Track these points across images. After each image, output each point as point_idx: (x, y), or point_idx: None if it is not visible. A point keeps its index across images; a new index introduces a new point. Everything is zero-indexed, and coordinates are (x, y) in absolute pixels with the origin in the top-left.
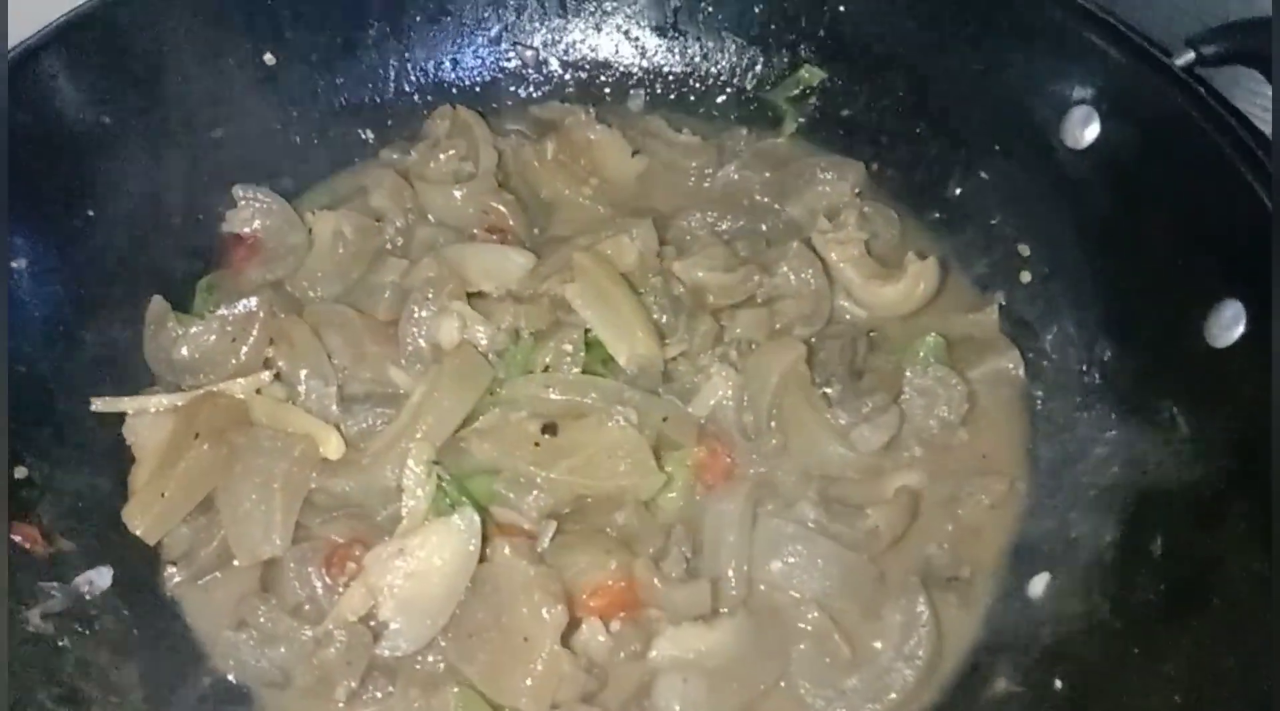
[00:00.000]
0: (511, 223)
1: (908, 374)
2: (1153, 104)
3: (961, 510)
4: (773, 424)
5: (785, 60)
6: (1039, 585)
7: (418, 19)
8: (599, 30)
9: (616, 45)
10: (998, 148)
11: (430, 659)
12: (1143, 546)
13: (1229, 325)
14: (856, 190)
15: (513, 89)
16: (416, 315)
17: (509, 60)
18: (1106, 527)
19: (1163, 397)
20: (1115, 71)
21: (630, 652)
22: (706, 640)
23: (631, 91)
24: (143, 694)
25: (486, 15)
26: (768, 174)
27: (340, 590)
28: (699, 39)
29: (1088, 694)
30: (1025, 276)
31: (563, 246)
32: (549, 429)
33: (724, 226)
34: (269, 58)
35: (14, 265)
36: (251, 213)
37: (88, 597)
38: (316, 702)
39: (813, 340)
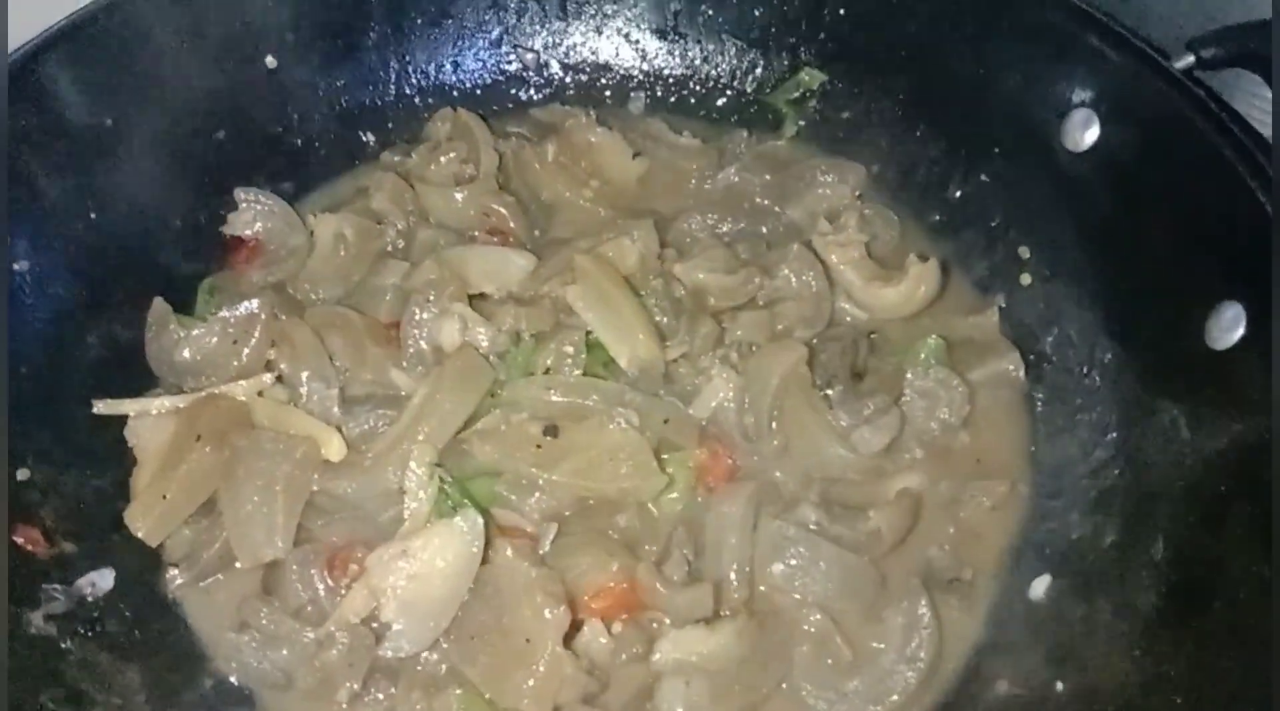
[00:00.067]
0: (512, 225)
1: (908, 376)
2: (1153, 107)
3: (963, 512)
4: (774, 426)
5: (785, 63)
6: (1040, 587)
7: (418, 22)
8: (599, 33)
9: (617, 48)
10: (998, 150)
11: (432, 660)
12: (1144, 548)
13: (1229, 327)
14: (857, 192)
15: (513, 92)
16: (418, 317)
17: (510, 63)
18: (1107, 529)
19: (1163, 399)
20: (1115, 74)
21: (632, 654)
22: (708, 642)
23: (632, 94)
24: (145, 695)
25: (487, 18)
26: (768, 176)
27: (342, 592)
28: (699, 42)
29: (1089, 696)
30: (1026, 278)
31: (564, 248)
32: (550, 431)
33: (725, 229)
34: (270, 60)
35: (16, 267)
36: (253, 215)
37: (90, 599)
38: (318, 704)
39: (814, 342)
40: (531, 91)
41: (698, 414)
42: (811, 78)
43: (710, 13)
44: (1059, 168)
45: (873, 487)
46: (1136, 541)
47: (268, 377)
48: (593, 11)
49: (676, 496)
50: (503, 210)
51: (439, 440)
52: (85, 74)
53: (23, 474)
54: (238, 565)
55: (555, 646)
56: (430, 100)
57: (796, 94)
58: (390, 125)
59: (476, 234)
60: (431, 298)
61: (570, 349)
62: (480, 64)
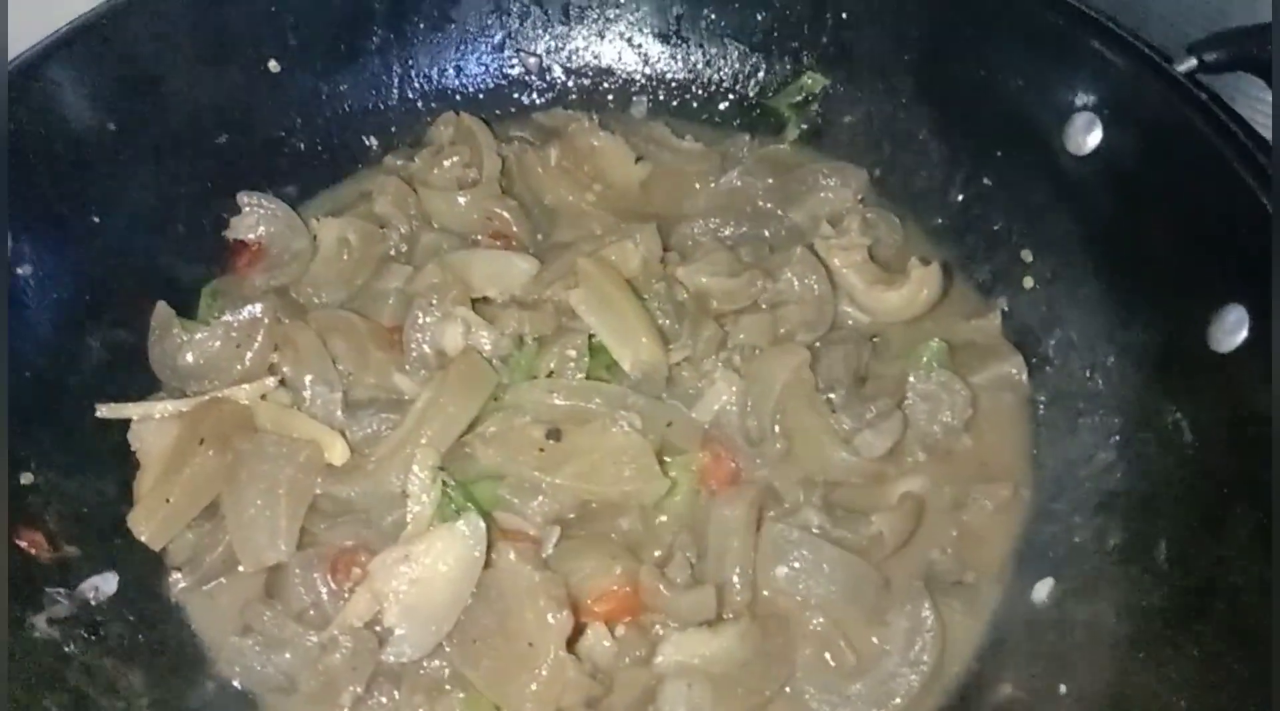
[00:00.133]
0: (515, 229)
1: (911, 379)
2: (1155, 110)
3: (965, 515)
4: (776, 429)
5: (788, 67)
6: (1043, 590)
7: (421, 26)
8: (602, 37)
9: (619, 52)
10: (1000, 154)
11: (435, 664)
12: (1147, 551)
13: (1232, 330)
14: (859, 196)
15: (516, 96)
16: (421, 321)
17: (512, 67)
18: (1110, 533)
19: (1166, 402)
20: (1117, 78)
21: (635, 658)
22: (711, 645)
23: (634, 98)
24: (148, 699)
25: (490, 23)
26: (770, 180)
27: (345, 596)
28: (701, 46)
29: (1093, 699)
30: (1028, 282)
31: (566, 252)
32: (553, 434)
33: (727, 232)
34: (273, 64)
35: (19, 271)
36: (256, 219)
37: (93, 603)
38: (321, 708)
39: (816, 346)
40: (534, 96)
41: (700, 417)
42: (814, 82)
43: (712, 17)
44: (1061, 171)
45: (875, 491)
46: (1139, 544)
47: (271, 381)
48: (595, 16)
49: (679, 499)
50: (505, 214)
51: (442, 444)
52: (89, 78)
53: (26, 478)
54: (240, 569)
55: (558, 650)
56: (433, 104)
57: (799, 98)
58: (393, 129)
59: (479, 238)
60: (434, 301)
61: (573, 352)
62: (483, 68)
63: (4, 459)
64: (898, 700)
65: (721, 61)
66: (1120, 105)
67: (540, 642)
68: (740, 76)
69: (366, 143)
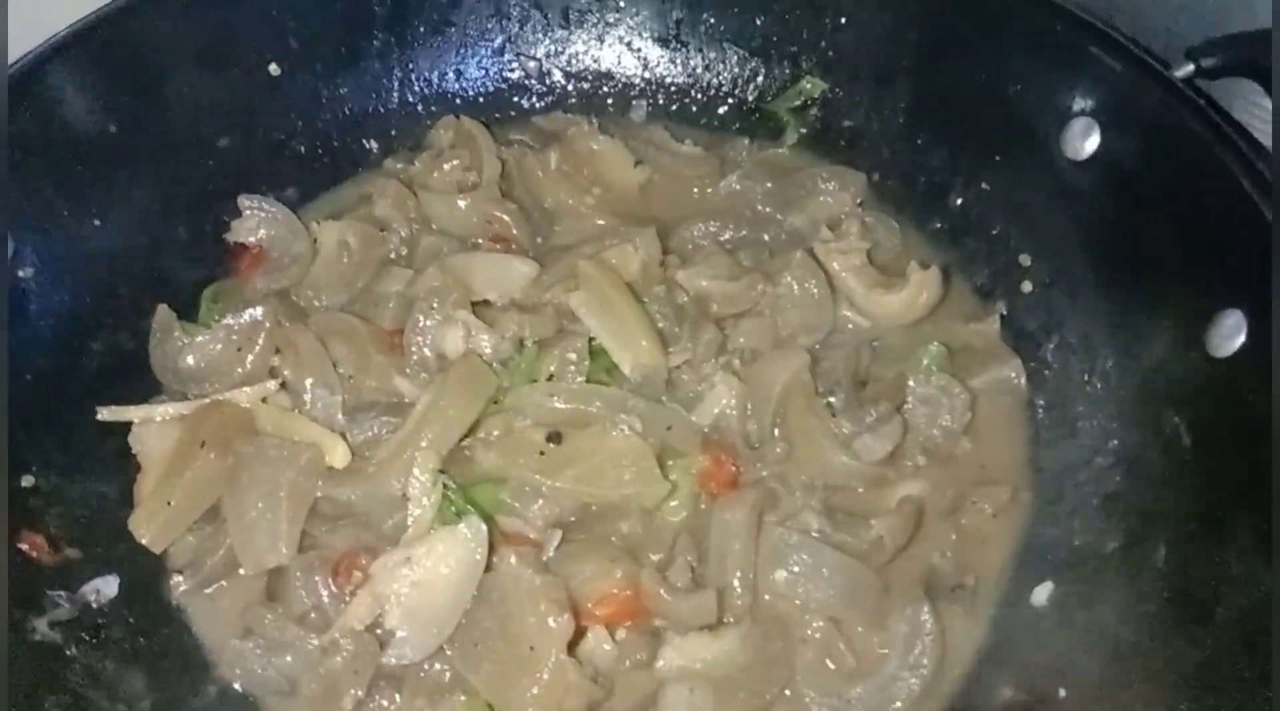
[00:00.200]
0: (515, 232)
1: (910, 383)
2: (1153, 115)
3: (965, 519)
4: (776, 433)
5: (786, 71)
6: (1043, 594)
7: (421, 30)
8: (602, 42)
9: (619, 56)
10: (999, 158)
11: (436, 667)
12: (1146, 555)
13: (1230, 334)
14: (858, 200)
15: (516, 99)
16: (421, 324)
17: (512, 71)
18: (1110, 536)
19: (1165, 407)
20: (1116, 83)
21: (636, 662)
22: (712, 649)
23: (634, 102)
24: (149, 702)
25: (490, 26)
26: (770, 184)
27: (346, 599)
28: (701, 50)
29: (1092, 703)
30: (1027, 286)
31: (566, 256)
32: (554, 437)
33: (727, 236)
34: (274, 68)
35: (21, 274)
36: (257, 222)
37: (94, 606)
38: None
39: (816, 349)
40: (534, 99)
41: (700, 420)
42: (813, 86)
43: (712, 21)
44: (1060, 175)
45: (875, 495)
46: (1139, 548)
47: (272, 384)
48: (595, 20)
49: (680, 503)
50: (505, 217)
51: (443, 447)
52: (90, 81)
53: (27, 480)
54: (242, 572)
55: (559, 653)
56: (433, 108)
57: (798, 102)
58: (393, 132)
59: (479, 241)
60: (435, 305)
61: (573, 355)
62: (483, 72)
63: (4, 461)
64: (898, 704)
65: (721, 66)
66: (1118, 110)
67: (541, 646)
68: (739, 81)
69: (367, 146)
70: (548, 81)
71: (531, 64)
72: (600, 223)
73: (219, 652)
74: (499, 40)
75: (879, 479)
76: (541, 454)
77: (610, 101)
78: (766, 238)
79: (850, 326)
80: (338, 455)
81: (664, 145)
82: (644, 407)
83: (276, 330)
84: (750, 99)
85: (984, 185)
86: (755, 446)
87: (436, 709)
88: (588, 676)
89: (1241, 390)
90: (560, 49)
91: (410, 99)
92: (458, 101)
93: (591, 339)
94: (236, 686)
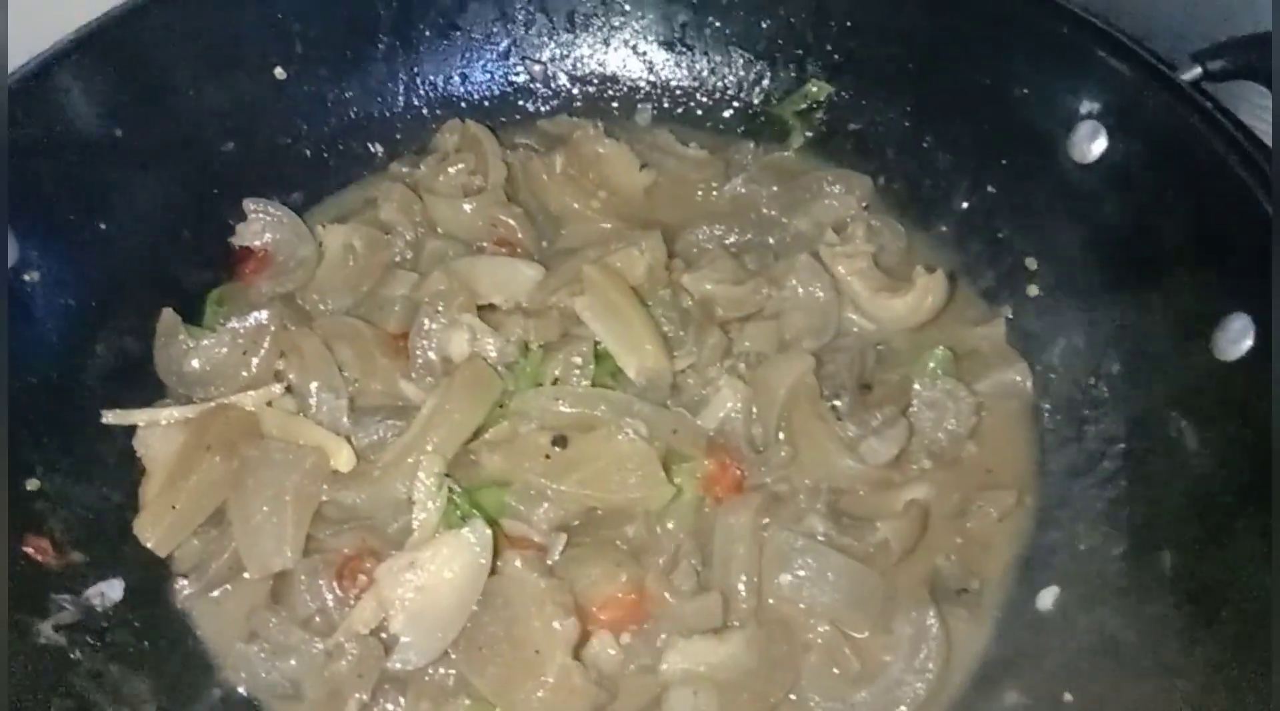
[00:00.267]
0: (520, 236)
1: (916, 386)
2: (1159, 119)
3: (970, 523)
4: (781, 436)
5: (792, 74)
6: (1048, 598)
7: (427, 34)
8: (607, 45)
9: (624, 60)
10: (1005, 162)
11: (441, 671)
12: (1152, 559)
13: (1236, 338)
14: (864, 203)
15: (521, 103)
16: (426, 328)
17: (518, 75)
18: (1115, 540)
19: (1170, 411)
20: (1122, 86)
21: (641, 665)
22: (717, 653)
23: (639, 105)
24: (154, 706)
25: (495, 30)
26: (775, 187)
27: (351, 602)
28: (706, 54)
29: (1098, 707)
30: (1032, 289)
31: (571, 259)
32: (559, 441)
33: (732, 239)
34: (279, 71)
35: (25, 277)
36: (262, 225)
37: (99, 609)
38: None
39: (820, 353)
40: (539, 103)
41: (705, 424)
42: (818, 89)
43: (717, 25)
44: (1066, 179)
45: (880, 498)
46: (1144, 552)
47: (277, 388)
48: (600, 24)
49: (684, 507)
50: (511, 221)
51: (448, 451)
52: (96, 85)
53: (32, 484)
54: (246, 575)
55: (564, 657)
56: (438, 111)
57: (803, 105)
58: (398, 136)
59: (485, 245)
60: (440, 308)
61: (578, 359)
62: (488, 75)
63: (4, 464)
64: (902, 708)
65: (726, 69)
66: (1125, 113)
67: (546, 650)
68: (745, 84)
69: (372, 149)
70: (553, 85)
71: (537, 68)
72: (605, 226)
73: (223, 656)
74: (504, 44)
75: (884, 482)
76: (546, 457)
77: (615, 105)
78: (772, 241)
79: (855, 330)
80: (343, 459)
81: (669, 148)
82: (649, 411)
83: (281, 333)
84: (755, 102)
85: (990, 188)
86: (760, 450)
87: None
88: (592, 680)
89: (1248, 394)
90: (565, 52)
91: (415, 103)
92: (463, 105)
93: (597, 343)
94: (241, 690)
